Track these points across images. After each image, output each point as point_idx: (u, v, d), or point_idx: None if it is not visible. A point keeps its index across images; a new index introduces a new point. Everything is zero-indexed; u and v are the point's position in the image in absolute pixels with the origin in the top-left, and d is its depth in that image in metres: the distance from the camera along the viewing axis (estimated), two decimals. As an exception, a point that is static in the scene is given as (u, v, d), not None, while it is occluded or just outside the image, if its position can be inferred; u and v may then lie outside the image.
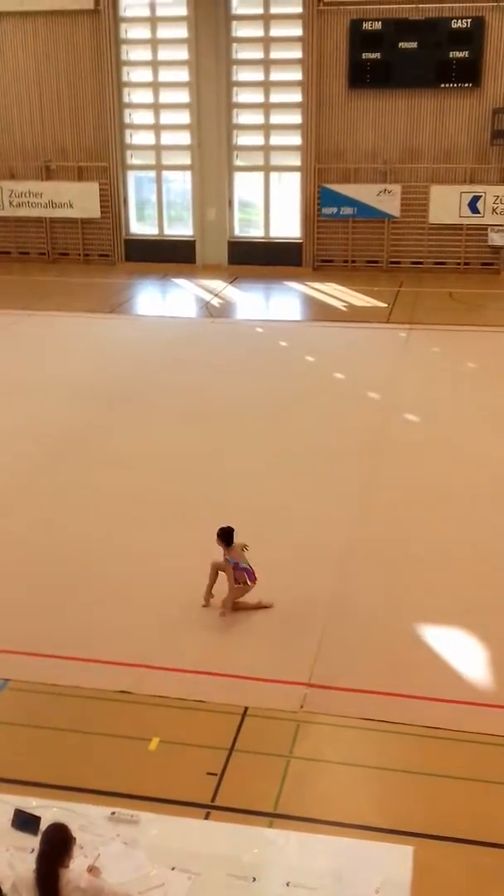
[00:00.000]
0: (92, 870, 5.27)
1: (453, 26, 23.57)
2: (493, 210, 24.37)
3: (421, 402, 15.42)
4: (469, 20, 23.47)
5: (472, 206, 24.46)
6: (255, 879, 5.31)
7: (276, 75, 25.35)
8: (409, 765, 7.23)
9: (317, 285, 24.37)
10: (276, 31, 25.01)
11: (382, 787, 7.07)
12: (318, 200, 25.46)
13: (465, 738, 7.45)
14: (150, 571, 10.09)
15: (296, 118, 25.38)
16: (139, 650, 8.63)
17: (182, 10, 25.05)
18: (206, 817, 6.63)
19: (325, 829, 6.42)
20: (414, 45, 23.80)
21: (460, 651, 8.62)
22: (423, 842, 6.23)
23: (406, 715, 7.73)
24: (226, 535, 9.16)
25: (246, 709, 7.81)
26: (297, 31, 24.67)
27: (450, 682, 8.17)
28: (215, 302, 23.19)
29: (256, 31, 25.14)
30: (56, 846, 5.15)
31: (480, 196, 24.40)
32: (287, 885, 5.30)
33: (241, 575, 9.17)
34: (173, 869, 5.36)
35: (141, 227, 27.53)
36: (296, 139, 25.57)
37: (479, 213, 24.48)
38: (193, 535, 10.88)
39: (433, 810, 6.74)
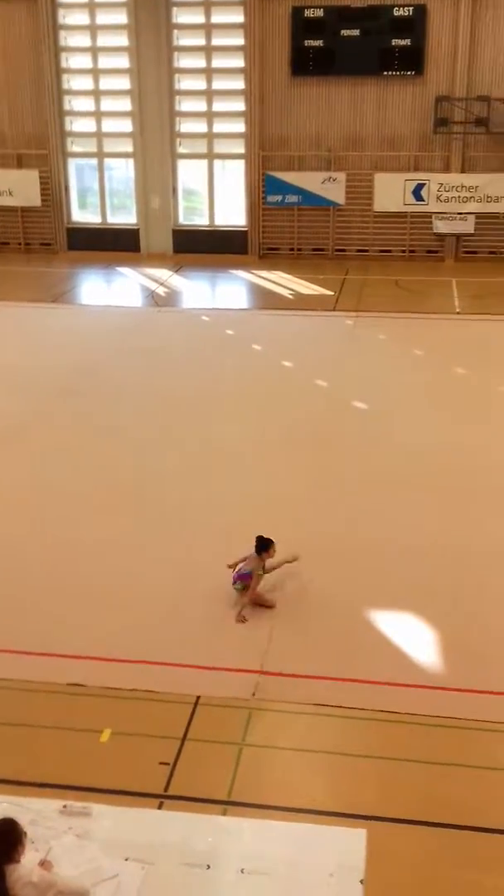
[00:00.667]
0: (44, 864, 5.19)
1: (395, 14, 23.62)
2: (438, 198, 24.52)
3: (368, 389, 15.47)
4: (411, 8, 23.55)
5: (417, 193, 24.59)
6: (209, 867, 5.28)
7: (218, 62, 25.18)
8: (361, 749, 7.24)
9: (263, 273, 24.32)
10: (217, 18, 24.82)
11: (335, 772, 7.08)
12: (263, 188, 25.40)
13: (417, 721, 7.48)
14: (95, 566, 9.97)
15: (239, 105, 25.27)
16: (89, 643, 8.52)
17: (122, -4, 24.76)
18: (160, 807, 6.58)
19: (278, 815, 6.41)
20: (356, 32, 23.82)
21: (411, 635, 8.65)
22: (376, 825, 6.25)
23: (358, 700, 7.75)
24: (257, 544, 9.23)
25: (198, 698, 7.76)
26: (238, 17, 24.53)
27: (401, 666, 8.21)
28: (161, 291, 23.03)
29: (197, 17, 24.93)
30: (5, 841, 5.06)
31: (424, 184, 24.53)
32: (241, 871, 5.29)
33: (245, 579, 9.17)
34: (127, 860, 5.30)
35: (83, 215, 27.21)
36: (239, 126, 25.46)
37: (423, 200, 24.62)
38: (140, 528, 10.81)
39: (386, 793, 6.76)
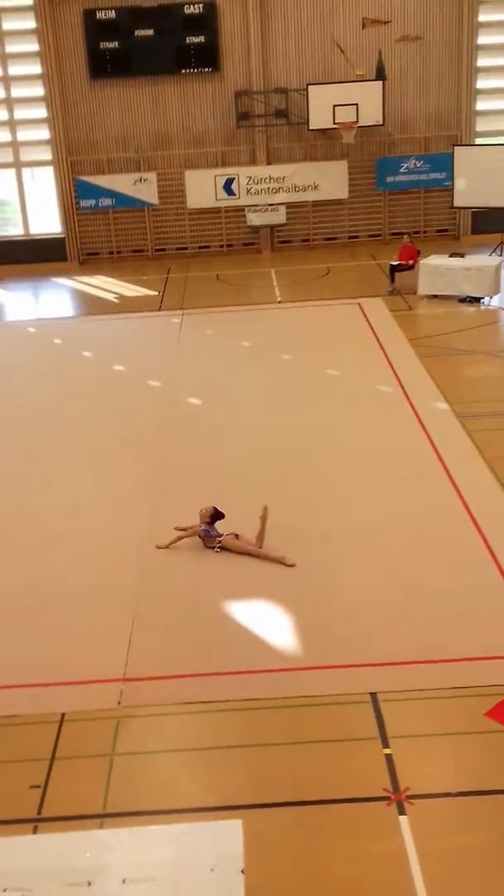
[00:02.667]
0: None
1: (187, 12, 23.80)
2: (248, 191, 24.93)
3: (201, 385, 15.63)
4: (201, 5, 23.78)
5: (227, 188, 24.93)
6: (90, 884, 5.28)
7: (14, 69, 24.70)
8: (230, 740, 7.38)
9: (85, 279, 24.13)
10: (8, 25, 24.32)
11: (207, 767, 7.19)
12: (75, 193, 25.16)
13: (279, 705, 7.69)
14: None
15: (41, 112, 24.89)
16: None
17: None
18: (35, 831, 6.52)
19: (156, 819, 6.47)
20: (150, 32, 23.88)
21: (267, 622, 8.85)
22: (251, 812, 6.41)
23: (222, 692, 7.88)
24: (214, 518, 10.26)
25: (63, 715, 7.71)
26: (30, 23, 24.13)
27: (260, 652, 8.39)
28: (-19, 306, 22.48)
29: (-12, 25, 24.37)
30: None
31: (234, 178, 24.89)
32: (123, 882, 5.31)
33: (211, 539, 10.12)
34: (5, 891, 5.24)
35: None
36: (44, 133, 25.08)
37: (234, 195, 24.98)
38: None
39: (257, 780, 6.93)
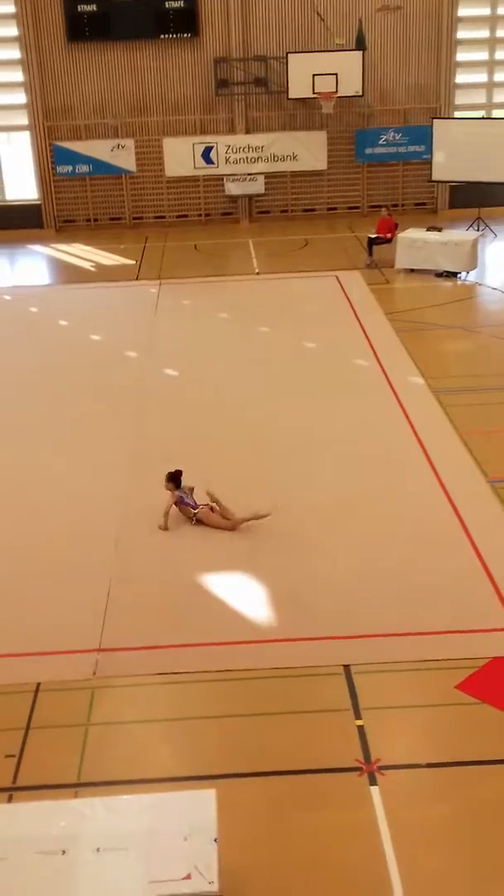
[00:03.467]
0: None
1: (166, -25, 23.52)
2: (226, 160, 24.72)
3: (178, 356, 15.58)
4: (181, -31, 23.48)
5: (206, 156, 24.70)
6: (64, 852, 5.32)
7: (-10, 31, 24.32)
8: (204, 711, 7.47)
9: (62, 247, 23.90)
10: (-16, -15, 23.91)
11: (181, 737, 7.27)
12: (52, 159, 24.85)
13: (254, 676, 7.76)
14: None
15: (17, 76, 24.50)
16: None
17: None
18: (10, 800, 6.58)
19: (130, 788, 6.54)
20: (129, -5, 23.57)
21: (240, 593, 8.92)
22: (224, 782, 6.49)
23: (197, 663, 7.95)
24: (174, 479, 10.17)
25: (38, 685, 7.75)
26: (7, -17, 23.72)
27: (234, 624, 8.46)
28: (-45, 273, 22.23)
29: (-37, -15, 23.91)
30: None
31: (212, 146, 24.66)
32: (97, 850, 5.35)
33: (186, 509, 10.11)
34: (-21, 859, 5.27)
35: None
36: (20, 97, 24.71)
37: (213, 163, 24.77)
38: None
39: (230, 750, 7.02)
